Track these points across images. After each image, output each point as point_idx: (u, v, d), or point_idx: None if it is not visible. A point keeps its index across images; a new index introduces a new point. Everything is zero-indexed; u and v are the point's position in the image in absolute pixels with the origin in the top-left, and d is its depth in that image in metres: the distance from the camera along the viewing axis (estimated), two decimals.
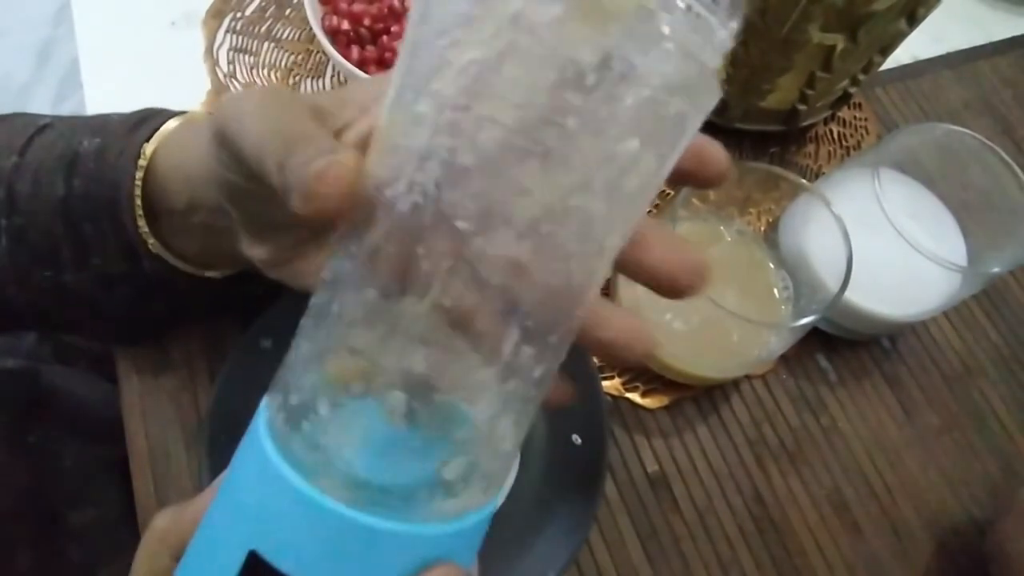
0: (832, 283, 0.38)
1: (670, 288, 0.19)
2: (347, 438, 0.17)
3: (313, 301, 0.18)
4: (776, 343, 0.37)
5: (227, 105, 0.21)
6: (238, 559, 0.16)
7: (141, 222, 0.28)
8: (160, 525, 0.21)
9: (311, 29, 0.44)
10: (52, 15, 1.37)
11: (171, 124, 0.29)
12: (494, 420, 0.17)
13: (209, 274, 0.32)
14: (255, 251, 0.26)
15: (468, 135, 0.15)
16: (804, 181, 0.37)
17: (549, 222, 0.15)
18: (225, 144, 0.21)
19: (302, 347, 0.18)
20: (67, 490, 0.39)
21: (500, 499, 0.19)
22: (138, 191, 0.28)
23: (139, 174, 0.28)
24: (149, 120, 0.29)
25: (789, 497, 0.41)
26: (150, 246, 0.29)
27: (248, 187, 0.22)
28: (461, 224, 0.15)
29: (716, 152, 0.19)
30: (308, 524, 0.16)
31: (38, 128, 0.30)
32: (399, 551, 0.17)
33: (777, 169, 0.37)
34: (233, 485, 0.18)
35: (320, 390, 0.17)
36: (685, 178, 0.19)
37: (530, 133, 0.15)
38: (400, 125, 0.16)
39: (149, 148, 0.28)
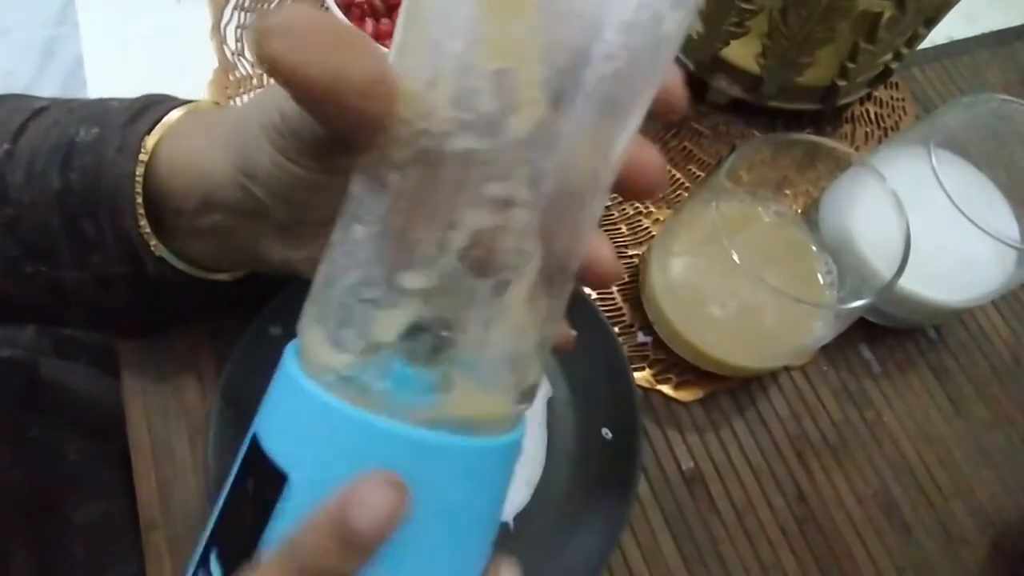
0: (882, 266, 0.35)
1: (635, 190, 0.19)
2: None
3: (336, 234, 0.18)
4: (822, 330, 0.35)
5: (266, 90, 0.21)
6: (247, 443, 0.18)
7: (143, 222, 0.26)
8: None
9: (323, 4, 0.42)
10: (55, 13, 1.36)
11: (174, 115, 0.26)
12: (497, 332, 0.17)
13: (218, 277, 0.29)
14: (294, 254, 0.25)
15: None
16: (854, 151, 0.35)
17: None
18: (281, 115, 0.21)
19: (330, 272, 0.17)
20: (71, 486, 0.37)
21: (519, 435, 0.19)
22: (139, 188, 0.25)
23: (139, 170, 0.25)
24: (149, 109, 0.27)
25: (833, 496, 0.38)
26: (152, 248, 0.27)
27: (310, 169, 0.21)
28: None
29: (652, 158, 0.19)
30: (295, 409, 0.17)
31: (32, 112, 0.28)
32: (381, 449, 0.16)
33: (823, 140, 0.35)
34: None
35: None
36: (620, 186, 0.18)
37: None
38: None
39: (150, 141, 0.25)
